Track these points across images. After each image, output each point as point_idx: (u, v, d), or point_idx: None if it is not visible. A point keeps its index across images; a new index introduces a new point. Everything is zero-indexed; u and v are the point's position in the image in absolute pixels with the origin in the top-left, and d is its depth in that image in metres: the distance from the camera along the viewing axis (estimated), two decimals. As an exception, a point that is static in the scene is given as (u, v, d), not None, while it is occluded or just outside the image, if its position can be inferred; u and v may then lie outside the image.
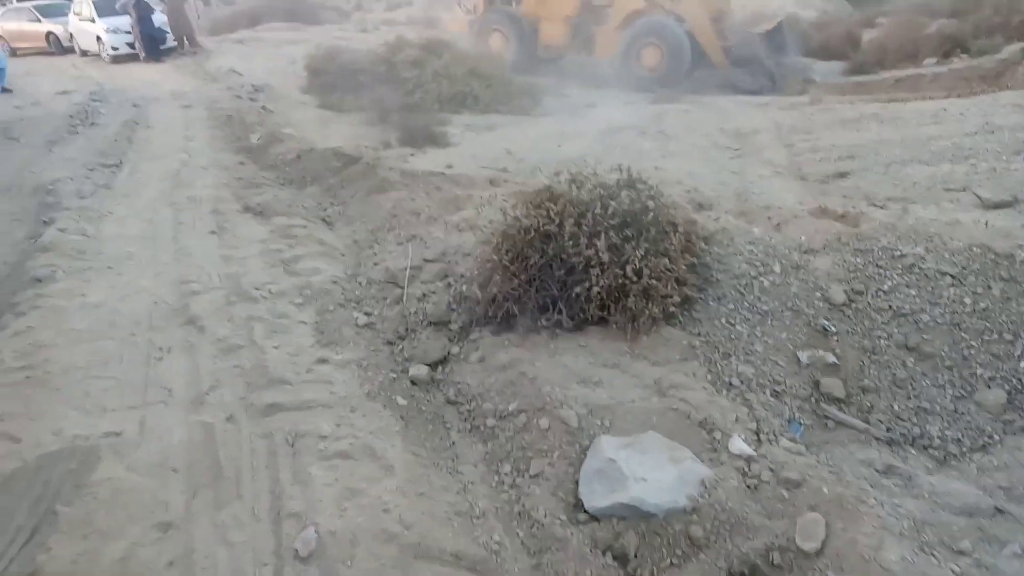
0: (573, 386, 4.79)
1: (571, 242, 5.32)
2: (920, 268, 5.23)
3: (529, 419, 4.59)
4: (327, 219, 8.64)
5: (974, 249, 5.27)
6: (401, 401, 5.01)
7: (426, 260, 6.62)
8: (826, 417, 4.59)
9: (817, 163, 10.05)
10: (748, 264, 5.61)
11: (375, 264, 6.98)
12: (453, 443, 4.70)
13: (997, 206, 8.20)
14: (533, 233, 5.45)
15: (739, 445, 4.23)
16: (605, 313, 5.32)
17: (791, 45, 16.54)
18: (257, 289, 6.62)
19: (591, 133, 11.33)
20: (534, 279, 5.48)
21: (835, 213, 7.11)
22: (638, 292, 5.20)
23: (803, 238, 6.04)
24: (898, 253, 5.39)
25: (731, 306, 5.32)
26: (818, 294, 5.23)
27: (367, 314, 6.21)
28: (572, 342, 5.34)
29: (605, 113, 12.84)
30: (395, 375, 5.40)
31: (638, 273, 5.15)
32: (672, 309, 5.29)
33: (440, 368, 5.56)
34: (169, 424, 4.65)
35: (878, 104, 12.54)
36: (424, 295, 6.16)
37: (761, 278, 5.45)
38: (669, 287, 5.21)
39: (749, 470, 4.07)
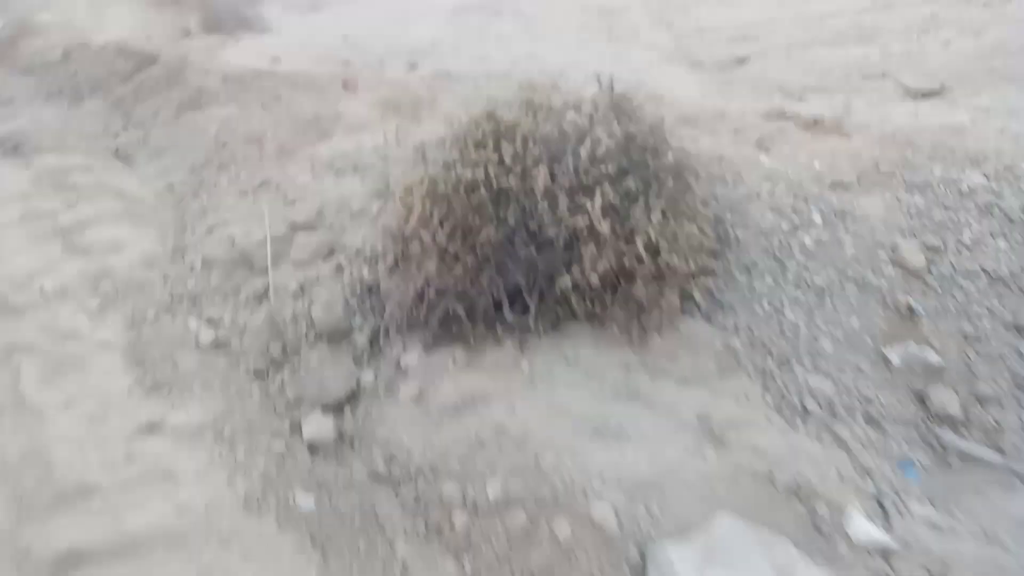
0: (584, 443, 3.05)
1: (546, 203, 3.39)
2: (1000, 208, 3.86)
3: (533, 520, 2.80)
4: (121, 153, 5.96)
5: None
6: (305, 504, 3.00)
7: (295, 225, 4.39)
8: (944, 448, 3.21)
9: (708, 47, 8.51)
10: (775, 213, 3.99)
11: (210, 230, 4.63)
12: (404, 567, 2.83)
13: (927, 95, 7.15)
14: (481, 191, 3.45)
15: (863, 527, 2.74)
16: (593, 306, 3.53)
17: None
18: (19, 288, 4.12)
19: (439, 13, 9.07)
20: (486, 262, 3.54)
21: (800, 118, 5.65)
22: (648, 275, 3.43)
23: (817, 164, 4.50)
24: (964, 187, 3.98)
25: (769, 280, 3.72)
26: (883, 254, 3.75)
27: (213, 324, 3.98)
28: (553, 354, 3.54)
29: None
30: (282, 441, 3.34)
31: (652, 249, 3.36)
32: (690, 290, 3.61)
33: (350, 412, 3.56)
34: None
35: (754, -25, 11.16)
36: (302, 287, 4.01)
37: (800, 233, 3.86)
38: (693, 264, 3.49)
39: (893, 572, 2.61)
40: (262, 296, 4.05)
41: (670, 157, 3.57)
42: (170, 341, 3.85)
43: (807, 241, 3.83)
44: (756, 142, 4.90)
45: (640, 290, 3.45)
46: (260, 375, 3.71)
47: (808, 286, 3.68)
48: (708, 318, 3.66)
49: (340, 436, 3.43)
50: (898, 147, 4.55)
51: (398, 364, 3.67)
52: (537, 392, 3.34)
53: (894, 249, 3.75)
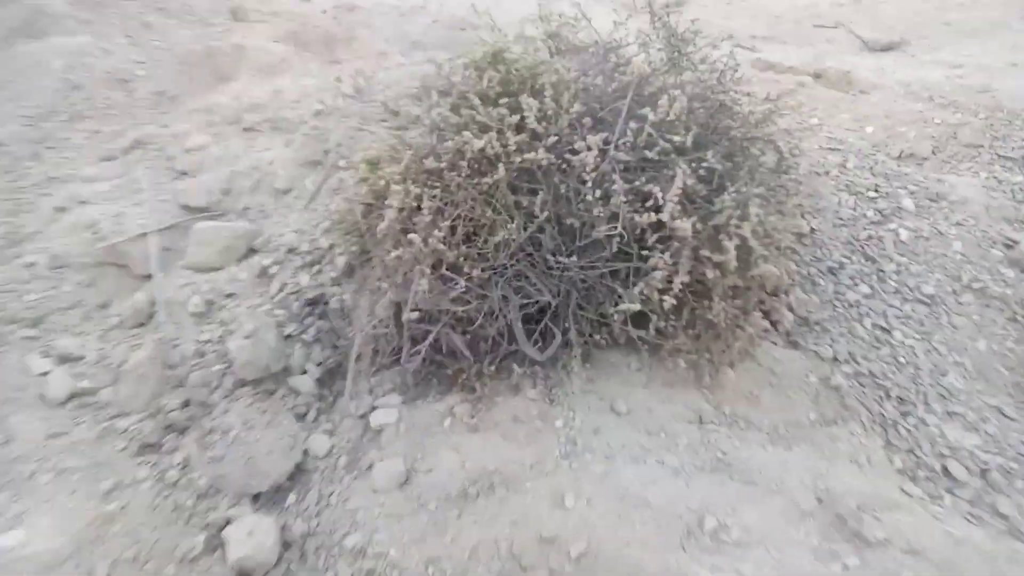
0: (682, 560, 2.02)
1: (594, 189, 2.27)
2: (1113, 189, 3.11)
3: None
4: (-79, 96, 4.23)
5: None
6: None
7: (190, 209, 3.04)
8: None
9: (635, -11, 7.55)
10: (854, 196, 3.07)
11: (59, 213, 3.17)
12: None
13: (885, 48, 6.59)
14: (498, 169, 2.28)
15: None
16: (649, 333, 2.48)
17: None
18: None
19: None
20: (499, 274, 2.39)
21: (797, 71, 4.84)
22: (726, 289, 2.42)
23: (869, 129, 3.63)
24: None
25: (865, 288, 2.80)
26: (997, 252, 2.90)
27: (68, 363, 2.62)
28: (595, 403, 2.48)
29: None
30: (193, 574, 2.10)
31: (745, 255, 2.34)
32: (776, 307, 2.63)
33: (297, 503, 2.36)
34: None
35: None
36: (209, 304, 2.70)
37: (891, 224, 2.95)
38: (786, 272, 2.50)
39: None
40: (146, 318, 2.71)
41: (757, 120, 2.52)
42: (5, 390, 2.48)
43: (902, 234, 2.93)
44: (774, 100, 3.97)
45: (717, 310, 2.43)
46: (150, 450, 2.42)
47: (915, 295, 2.79)
48: (794, 342, 2.70)
49: (285, 548, 2.24)
50: (950, 110, 3.73)
51: (366, 423, 2.49)
52: (587, 468, 2.27)
53: (1009, 245, 2.91)
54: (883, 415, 2.51)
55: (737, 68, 2.58)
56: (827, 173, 3.12)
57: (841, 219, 2.98)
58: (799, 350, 2.66)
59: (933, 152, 3.39)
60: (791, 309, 2.71)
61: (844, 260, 2.87)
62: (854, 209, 3.01)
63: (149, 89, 3.97)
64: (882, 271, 2.83)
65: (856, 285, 2.80)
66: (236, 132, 3.38)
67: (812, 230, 2.93)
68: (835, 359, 2.63)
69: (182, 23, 5.07)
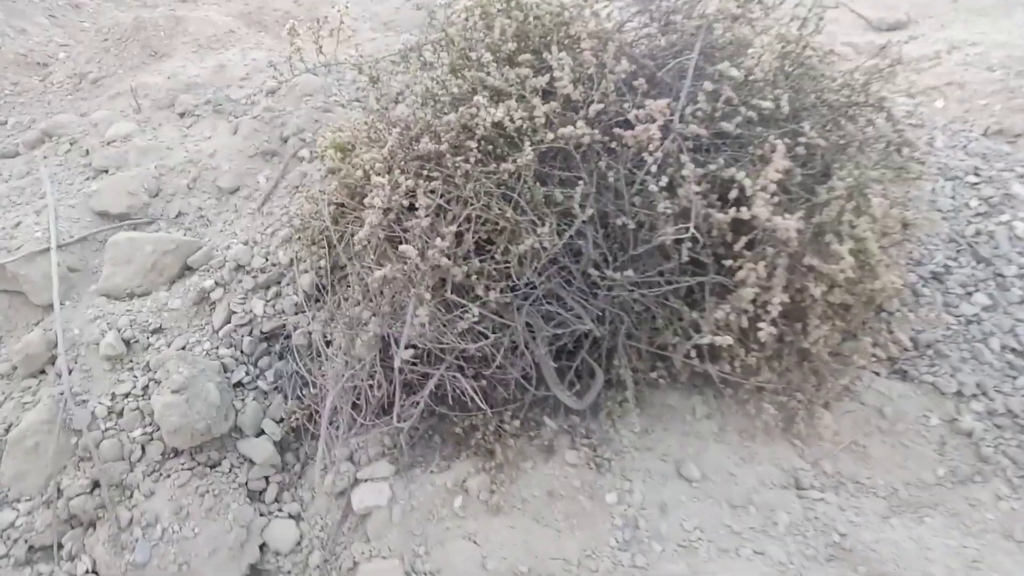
0: None
1: (657, 176, 1.62)
2: None
3: None
4: None
5: None
6: None
7: (107, 216, 2.34)
8: None
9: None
10: (952, 181, 2.46)
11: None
12: None
13: (891, 28, 6.07)
14: (525, 151, 1.62)
15: None
16: (721, 366, 1.83)
17: None
18: None
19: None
20: (523, 297, 1.73)
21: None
22: (828, 308, 1.79)
23: (940, 103, 3.05)
24: None
25: (983, 298, 2.19)
26: None
27: (-67, 434, 1.91)
28: (654, 465, 1.83)
29: None
30: None
31: (858, 263, 1.70)
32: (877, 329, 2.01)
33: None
34: None
35: None
36: (129, 344, 2.01)
37: (1003, 216, 2.35)
38: (901, 280, 1.88)
39: None
40: (44, 364, 2.01)
41: (862, 81, 1.89)
42: None
43: (1018, 228, 2.32)
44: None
45: (816, 336, 1.80)
46: (41, 557, 1.72)
47: (1047, 307, 2.18)
48: (901, 372, 2.08)
49: None
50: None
51: (347, 503, 1.81)
52: (659, 567, 1.63)
53: None
54: (1033, 473, 1.90)
55: (822, 17, 1.94)
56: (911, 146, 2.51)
57: (939, 210, 2.38)
58: (910, 382, 2.05)
59: (1026, 129, 2.81)
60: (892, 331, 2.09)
61: (950, 262, 2.26)
62: (953, 198, 2.41)
63: (67, 72, 3.25)
64: (1001, 275, 2.22)
65: (970, 295, 2.19)
66: (169, 118, 2.68)
67: (905, 224, 2.31)
68: (960, 394, 2.01)
69: (119, 5, 4.35)
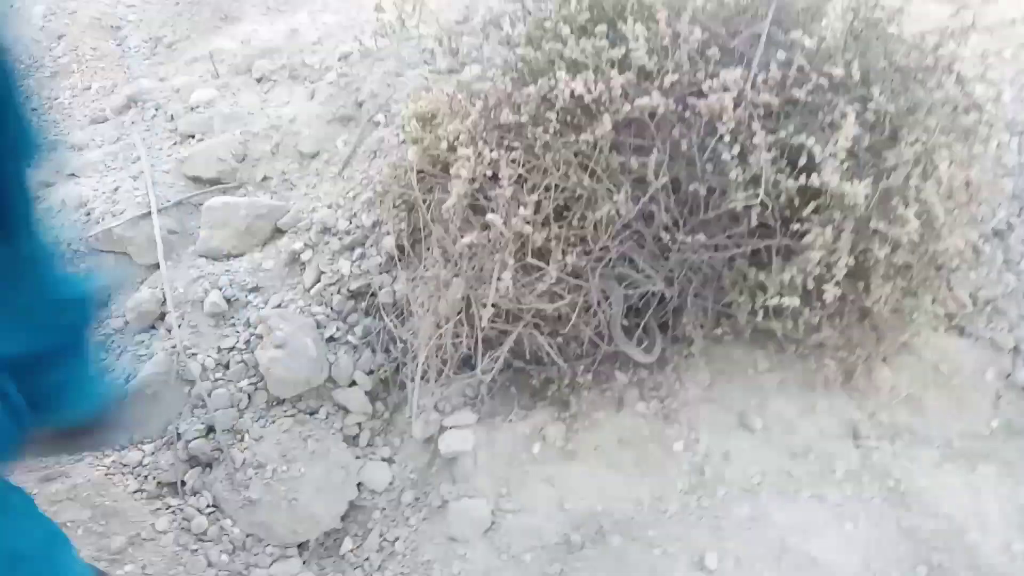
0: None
1: (731, 144, 1.69)
2: None
3: None
4: None
5: None
6: None
7: (199, 180, 2.50)
8: None
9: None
10: (1017, 137, 2.47)
11: (44, 189, 2.64)
12: None
13: None
14: (597, 118, 1.71)
15: None
16: (786, 324, 1.93)
17: None
18: None
19: None
20: (598, 260, 1.85)
21: None
22: (891, 269, 1.87)
23: (1008, 53, 2.98)
24: None
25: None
26: None
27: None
28: (719, 415, 1.96)
29: None
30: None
31: (923, 225, 1.77)
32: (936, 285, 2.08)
33: (353, 554, 1.90)
34: None
35: None
36: (231, 303, 2.19)
37: (1069, 171, 2.35)
38: (965, 240, 1.93)
39: None
40: (153, 321, 2.21)
41: (932, 45, 1.92)
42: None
43: (1084, 181, 2.33)
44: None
45: (878, 295, 1.88)
46: (169, 491, 1.94)
47: (1109, 261, 2.21)
48: (959, 328, 2.15)
49: (347, 616, 1.78)
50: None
51: (434, 449, 1.99)
52: (725, 509, 1.78)
53: None
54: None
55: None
56: (976, 109, 2.51)
57: (1004, 166, 2.39)
58: (968, 338, 2.12)
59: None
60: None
61: (1013, 219, 2.29)
62: (1019, 153, 2.42)
63: (142, 36, 3.39)
64: (1063, 228, 2.26)
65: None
66: (247, 83, 2.81)
67: (967, 182, 2.34)
68: (1017, 349, 2.08)
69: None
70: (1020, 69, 2.89)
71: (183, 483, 1.95)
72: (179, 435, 2.00)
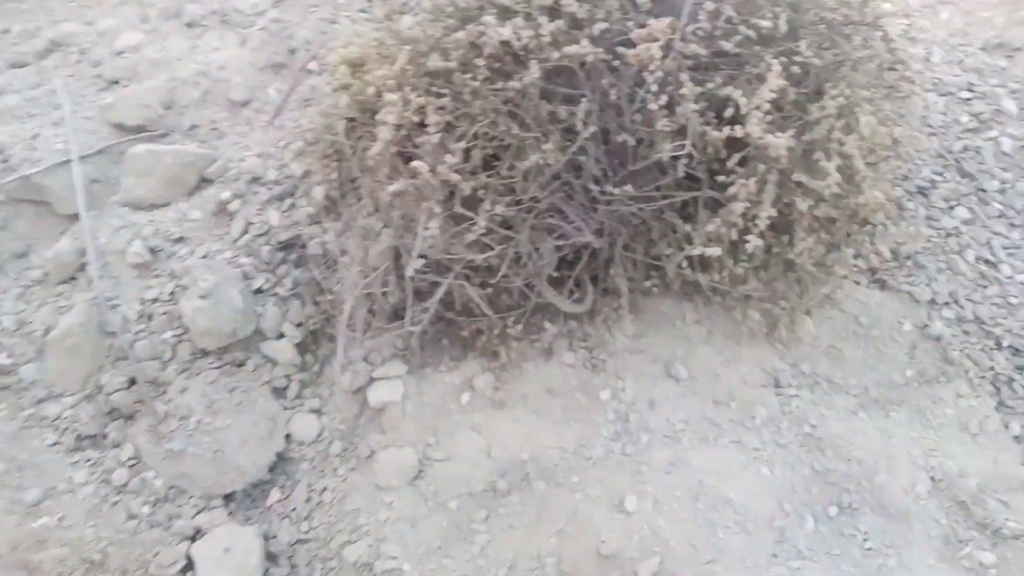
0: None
1: (658, 94, 1.69)
2: None
3: None
4: None
5: None
6: None
7: (124, 128, 2.41)
8: None
9: None
10: (944, 97, 2.53)
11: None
12: None
13: None
14: (531, 70, 1.69)
15: None
16: (711, 275, 1.96)
17: None
18: None
19: None
20: (528, 211, 1.84)
21: None
22: (814, 222, 1.91)
23: (944, 15, 3.06)
24: None
25: (964, 212, 2.31)
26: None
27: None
28: (646, 366, 2.00)
29: None
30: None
31: (846, 175, 1.81)
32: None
33: (281, 506, 1.90)
34: None
35: None
36: (154, 252, 2.13)
37: (992, 132, 2.43)
38: (886, 196, 1.98)
39: None
40: (75, 271, 2.14)
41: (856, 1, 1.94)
42: None
43: (1005, 144, 2.41)
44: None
45: (801, 248, 1.92)
46: (89, 444, 1.91)
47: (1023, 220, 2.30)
48: (881, 282, 2.21)
49: (271, 562, 1.78)
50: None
51: (363, 400, 1.99)
52: (647, 454, 1.82)
53: None
54: (994, 370, 2.06)
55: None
56: (909, 70, 2.56)
57: (930, 126, 2.45)
58: (888, 291, 2.19)
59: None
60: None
61: (936, 177, 2.36)
62: (944, 114, 2.47)
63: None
64: (983, 190, 2.33)
65: (952, 208, 2.30)
66: (177, 28, 2.70)
67: (894, 140, 2.39)
68: (933, 302, 2.16)
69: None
70: (953, 31, 2.96)
71: (104, 435, 1.91)
72: (100, 388, 1.96)
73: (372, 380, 2.00)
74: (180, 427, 1.89)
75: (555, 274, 1.97)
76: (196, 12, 2.72)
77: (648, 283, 2.05)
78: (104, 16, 2.91)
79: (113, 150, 2.37)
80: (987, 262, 2.21)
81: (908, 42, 2.60)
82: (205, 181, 2.27)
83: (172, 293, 2.06)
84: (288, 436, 1.97)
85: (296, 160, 2.20)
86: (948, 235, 2.26)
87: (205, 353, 2.01)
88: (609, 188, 1.83)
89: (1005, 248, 2.23)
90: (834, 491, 1.78)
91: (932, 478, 1.83)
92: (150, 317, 2.04)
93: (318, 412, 2.00)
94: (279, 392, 2.02)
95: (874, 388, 2.04)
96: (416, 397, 1.95)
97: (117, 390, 1.95)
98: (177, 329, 2.01)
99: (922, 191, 2.34)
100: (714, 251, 1.71)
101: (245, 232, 2.16)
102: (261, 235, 2.15)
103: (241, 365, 2.02)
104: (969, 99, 2.50)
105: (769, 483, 1.77)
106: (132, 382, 1.96)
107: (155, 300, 2.05)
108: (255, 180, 2.22)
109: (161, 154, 2.26)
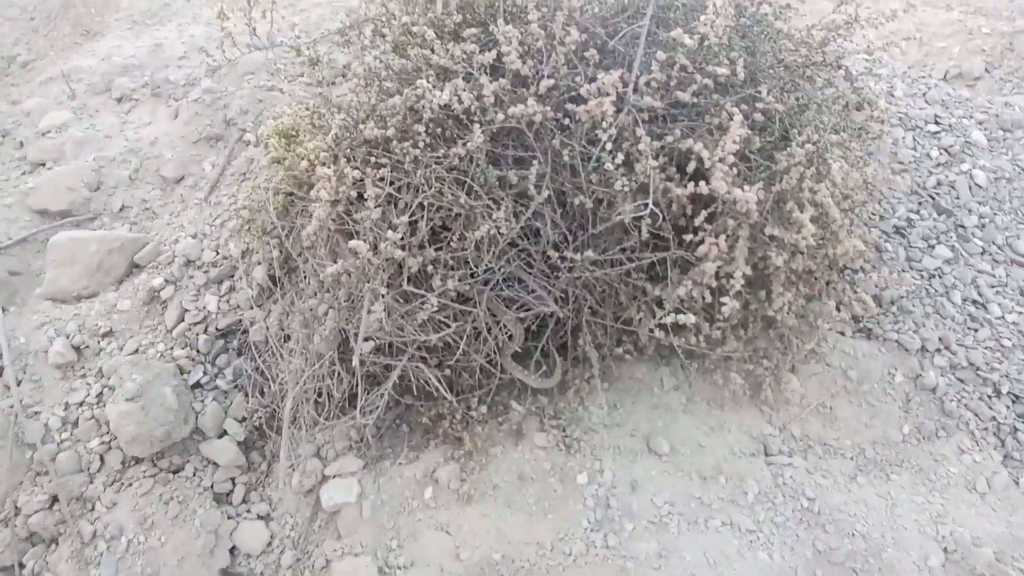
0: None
1: (613, 152, 1.56)
2: None
3: None
4: None
5: None
6: None
7: (47, 214, 2.23)
8: None
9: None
10: (912, 132, 2.44)
11: None
12: None
13: None
14: (468, 129, 1.55)
15: None
16: (687, 339, 1.81)
17: None
18: None
19: None
20: (484, 283, 1.69)
21: None
22: (791, 275, 1.78)
23: (903, 46, 3.01)
24: None
25: (945, 251, 2.19)
26: (1093, 190, 2.32)
27: None
28: (624, 442, 1.83)
29: None
30: None
31: (820, 224, 1.69)
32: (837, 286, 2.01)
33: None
34: None
35: None
36: (80, 350, 1.94)
37: (964, 165, 2.34)
38: (864, 243, 1.86)
39: None
40: (-9, 377, 1.94)
41: (819, 40, 1.84)
42: None
43: (978, 176, 2.32)
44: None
45: (780, 303, 1.78)
46: (3, 577, 1.68)
47: (1007, 255, 2.19)
48: (866, 330, 2.08)
49: None
50: (995, 17, 3.13)
51: (316, 501, 1.79)
52: (631, 545, 1.64)
53: (1108, 181, 2.32)
54: (996, 420, 1.92)
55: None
56: (875, 104, 2.48)
57: (901, 163, 2.36)
58: (875, 340, 2.05)
59: (987, 70, 2.78)
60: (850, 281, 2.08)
61: (912, 215, 2.25)
62: (914, 149, 2.38)
63: (-6, 54, 3.07)
64: (962, 226, 2.22)
65: (932, 248, 2.19)
66: (106, 103, 2.55)
67: (867, 182, 2.29)
68: (924, 349, 2.02)
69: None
70: (911, 63, 2.90)
71: (21, 565, 1.69)
72: (17, 509, 1.74)
73: (325, 479, 1.81)
74: (109, 549, 1.68)
75: (518, 349, 1.81)
76: (126, 86, 2.57)
77: (620, 349, 1.90)
78: (31, 94, 2.76)
79: (36, 239, 2.19)
80: (975, 303, 2.09)
81: (872, 78, 2.54)
82: (136, 267, 2.10)
83: (100, 395, 1.87)
84: (233, 549, 1.76)
85: (233, 239, 2.03)
86: (931, 276, 2.14)
87: (137, 460, 1.81)
88: (569, 254, 1.69)
89: (992, 287, 2.12)
90: (840, 573, 1.61)
91: (944, 549, 1.67)
92: (75, 424, 1.83)
93: (267, 518, 1.80)
94: (222, 498, 1.82)
95: (871, 448, 1.89)
96: (374, 495, 1.76)
97: (37, 511, 1.74)
98: (105, 435, 1.81)
99: (899, 231, 2.23)
100: (687, 318, 1.56)
101: (180, 321, 1.98)
102: (198, 323, 1.97)
103: (178, 471, 1.82)
104: (937, 132, 2.42)
105: (769, 570, 1.60)
106: (54, 500, 1.75)
107: (80, 404, 1.86)
108: (190, 263, 2.05)
109: (86, 241, 2.08)
